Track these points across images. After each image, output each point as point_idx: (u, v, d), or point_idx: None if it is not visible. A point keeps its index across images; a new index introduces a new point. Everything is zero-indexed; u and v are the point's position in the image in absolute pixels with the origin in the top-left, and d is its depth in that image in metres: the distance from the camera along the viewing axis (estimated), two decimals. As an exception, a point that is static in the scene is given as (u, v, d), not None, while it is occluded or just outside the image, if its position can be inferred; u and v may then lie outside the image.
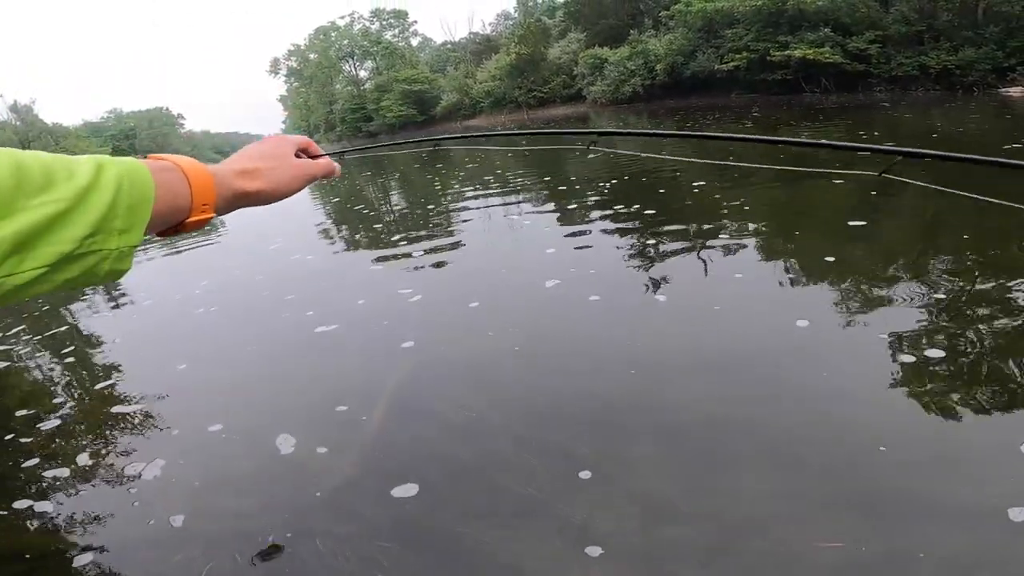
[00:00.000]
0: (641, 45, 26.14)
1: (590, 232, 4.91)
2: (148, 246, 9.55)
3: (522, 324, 3.06)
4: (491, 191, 8.05)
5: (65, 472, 2.30)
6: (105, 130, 66.71)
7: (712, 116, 15.98)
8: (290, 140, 0.59)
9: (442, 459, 2.04)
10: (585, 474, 1.79)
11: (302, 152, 0.60)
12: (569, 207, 6.17)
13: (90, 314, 5.56)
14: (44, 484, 2.25)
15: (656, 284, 3.39)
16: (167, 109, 76.07)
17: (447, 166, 12.74)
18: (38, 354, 4.32)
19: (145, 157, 0.45)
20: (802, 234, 4.22)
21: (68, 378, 3.59)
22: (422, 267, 4.71)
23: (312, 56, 54.84)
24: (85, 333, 4.80)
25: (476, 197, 7.74)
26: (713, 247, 3.94)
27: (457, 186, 9.38)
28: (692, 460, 1.86)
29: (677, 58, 23.60)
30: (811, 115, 13.21)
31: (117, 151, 59.24)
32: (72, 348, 4.21)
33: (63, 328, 5.07)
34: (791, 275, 3.39)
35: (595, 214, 5.56)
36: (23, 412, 3.05)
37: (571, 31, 33.46)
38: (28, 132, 38.04)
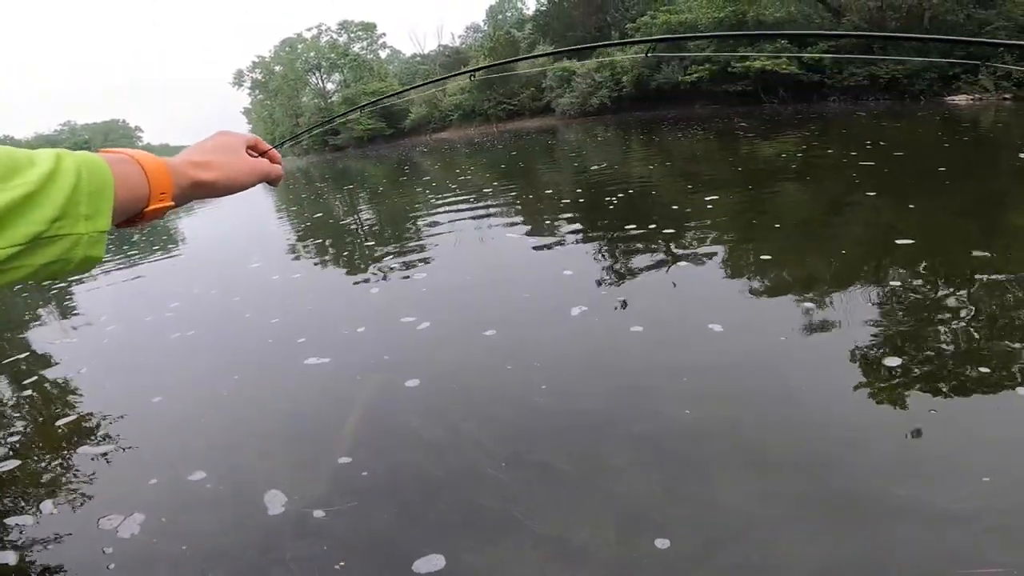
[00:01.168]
0: (608, 58, 26.73)
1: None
2: (108, 264, 9.31)
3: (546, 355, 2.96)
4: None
5: (28, 520, 2.17)
6: (59, 143, 64.07)
7: (678, 127, 16.42)
8: (240, 137, 0.61)
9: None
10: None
11: (251, 150, 0.63)
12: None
13: (51, 338, 5.33)
14: (5, 533, 2.13)
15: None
16: (124, 121, 74.03)
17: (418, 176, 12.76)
18: (-4, 387, 4.14)
19: (97, 151, 0.47)
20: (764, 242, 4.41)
21: (28, 411, 3.44)
22: (424, 289, 4.50)
23: (277, 68, 54.17)
24: (46, 360, 4.60)
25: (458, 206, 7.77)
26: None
27: (431, 198, 9.38)
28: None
29: (643, 71, 24.22)
30: (771, 125, 13.72)
31: (72, 169, 57.11)
32: (33, 378, 4.05)
33: (22, 355, 4.86)
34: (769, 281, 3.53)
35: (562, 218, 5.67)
36: None
37: (539, 44, 33.97)
38: None
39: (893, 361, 2.39)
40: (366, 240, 7.13)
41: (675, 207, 5.78)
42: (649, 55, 1.75)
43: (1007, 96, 13.99)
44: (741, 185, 6.83)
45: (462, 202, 8.06)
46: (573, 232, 5.51)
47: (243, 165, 0.58)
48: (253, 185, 0.60)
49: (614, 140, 15.94)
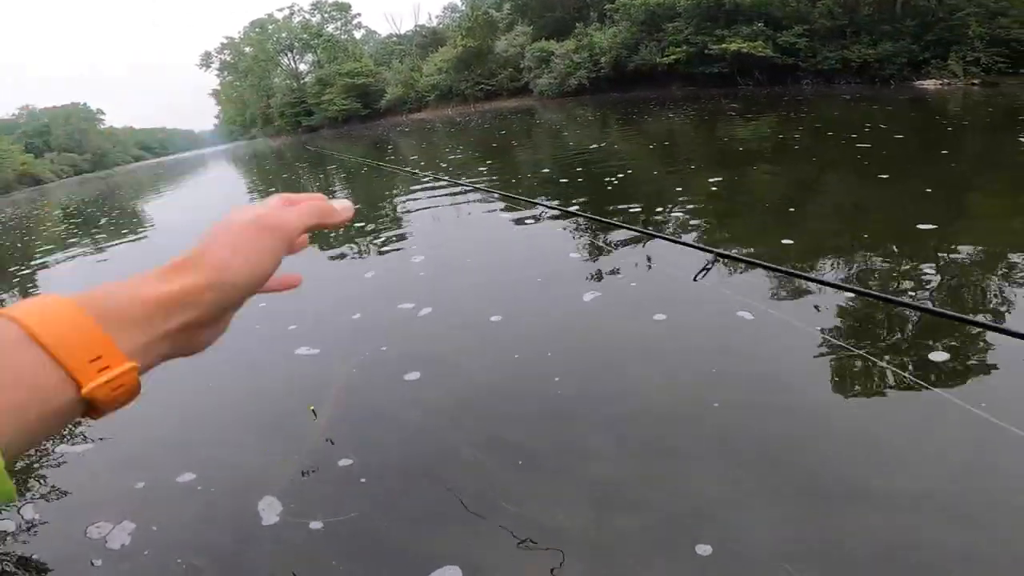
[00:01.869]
0: (587, 38, 26.39)
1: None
2: (72, 248, 8.79)
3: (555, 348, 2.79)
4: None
5: (10, 526, 2.00)
6: (16, 128, 61.03)
7: (653, 108, 16.33)
8: (253, 207, 0.37)
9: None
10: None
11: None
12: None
13: None
14: None
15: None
16: (85, 104, 70.48)
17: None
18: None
19: None
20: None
21: None
22: (422, 273, 4.29)
23: (247, 49, 52.09)
24: None
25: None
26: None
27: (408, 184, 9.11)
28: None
29: (621, 51, 23.97)
30: (757, 106, 13.73)
31: (30, 149, 54.41)
32: None
33: None
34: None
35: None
36: None
37: (518, 24, 33.31)
38: None
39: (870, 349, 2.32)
40: (355, 221, 6.83)
41: (678, 189, 5.63)
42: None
43: (975, 82, 14.25)
44: (743, 166, 6.72)
45: (449, 183, 7.81)
46: (566, 213, 5.35)
47: (259, 236, 0.35)
48: (274, 259, 0.36)
49: (596, 121, 15.75)
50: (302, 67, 51.93)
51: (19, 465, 2.39)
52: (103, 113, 73.86)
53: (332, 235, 6.27)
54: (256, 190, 13.06)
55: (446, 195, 7.13)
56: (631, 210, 4.98)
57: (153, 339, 0.31)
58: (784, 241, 3.77)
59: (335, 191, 10.65)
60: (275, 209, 0.37)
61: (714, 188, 5.59)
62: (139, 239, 8.67)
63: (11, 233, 13.42)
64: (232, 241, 0.35)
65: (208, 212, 11.04)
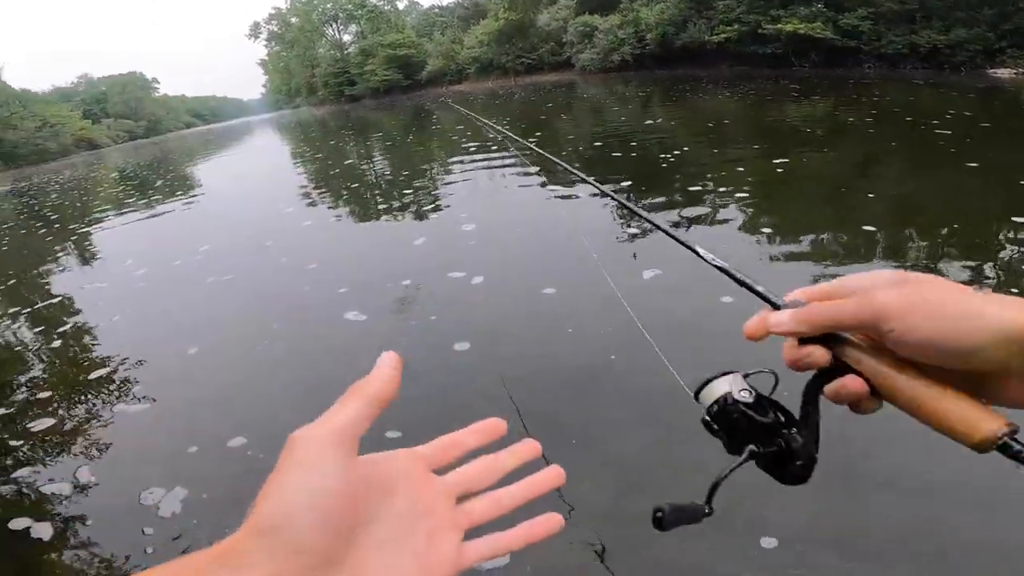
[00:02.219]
0: (632, 14, 25.37)
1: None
2: (124, 207, 9.06)
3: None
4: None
5: (65, 488, 2.05)
6: (75, 96, 63.20)
7: (706, 86, 15.65)
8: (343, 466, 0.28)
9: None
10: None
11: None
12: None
13: (80, 283, 5.14)
14: (42, 501, 2.02)
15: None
16: (140, 74, 72.32)
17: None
18: (22, 333, 3.99)
19: None
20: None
21: (60, 364, 3.30)
22: (472, 242, 4.14)
23: (294, 20, 52.30)
24: (77, 307, 4.45)
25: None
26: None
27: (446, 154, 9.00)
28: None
29: (668, 28, 22.97)
30: (807, 88, 12.99)
31: (88, 116, 56.36)
32: (64, 327, 3.88)
33: (53, 300, 4.69)
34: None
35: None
36: (4, 411, 2.74)
37: (562, -4, 32.29)
38: None
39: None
40: (403, 188, 6.78)
41: (740, 169, 5.34)
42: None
43: (1055, 70, 13.09)
44: (811, 148, 6.34)
45: (495, 155, 7.63)
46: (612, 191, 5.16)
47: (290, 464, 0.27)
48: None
49: (643, 97, 15.19)
50: (346, 38, 51.91)
51: (73, 424, 2.48)
52: (158, 82, 75.88)
53: (380, 202, 6.24)
54: (302, 157, 13.16)
55: (495, 165, 7.00)
56: (690, 190, 4.76)
57: None
58: (866, 228, 3.46)
59: (374, 157, 10.61)
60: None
61: (780, 170, 5.27)
62: (190, 203, 8.87)
63: (69, 194, 13.98)
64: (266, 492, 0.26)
65: (259, 175, 11.21)
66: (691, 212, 4.21)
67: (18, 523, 1.87)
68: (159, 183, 12.91)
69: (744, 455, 0.37)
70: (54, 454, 2.30)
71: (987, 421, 0.30)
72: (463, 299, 3.12)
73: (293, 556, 0.24)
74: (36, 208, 12.13)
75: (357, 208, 6.34)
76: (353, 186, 7.71)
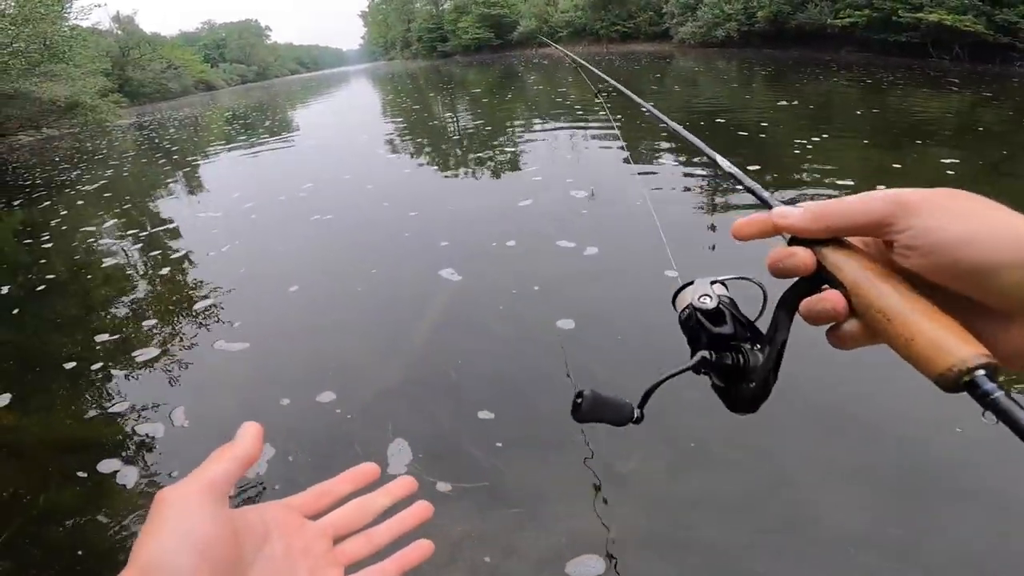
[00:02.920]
0: (745, -14, 23.15)
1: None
2: (231, 143, 9.52)
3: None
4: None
5: (159, 430, 2.10)
6: (198, 40, 67.32)
7: (813, 72, 14.11)
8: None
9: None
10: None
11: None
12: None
13: (189, 213, 5.42)
14: (135, 441, 2.06)
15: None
16: (256, 21, 76.05)
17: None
18: (135, 256, 4.25)
19: None
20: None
21: (165, 293, 3.46)
22: (584, 211, 3.82)
23: (396, -29, 52.38)
24: (185, 235, 4.66)
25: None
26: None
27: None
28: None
29: (784, 6, 20.81)
30: (932, 82, 11.36)
31: (207, 59, 59.93)
32: (176, 253, 4.07)
33: (165, 227, 4.94)
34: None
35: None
36: (109, 336, 2.87)
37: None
38: (128, 41, 38.60)
39: None
40: (504, 146, 6.57)
41: (896, 166, 4.74)
42: None
43: None
44: (940, 144, 5.43)
45: (599, 120, 7.21)
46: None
47: None
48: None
49: (764, 77, 13.95)
50: (443, -7, 51.45)
51: (175, 358, 2.57)
52: (270, 30, 79.51)
53: (481, 157, 6.04)
54: (399, 107, 13.22)
55: (603, 133, 6.57)
56: (789, 177, 4.20)
57: None
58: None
59: (470, 112, 10.40)
60: None
61: (950, 172, 4.48)
62: (294, 143, 9.22)
63: (186, 129, 14.96)
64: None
65: (354, 127, 11.36)
66: (786, 195, 3.82)
67: (108, 465, 1.93)
68: (267, 123, 13.53)
69: (693, 360, 0.35)
70: (154, 389, 2.39)
71: (960, 347, 0.24)
72: (572, 271, 2.90)
73: None
74: (156, 141, 13.07)
75: (456, 161, 6.22)
76: (454, 139, 7.64)
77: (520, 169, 5.20)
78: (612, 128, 6.05)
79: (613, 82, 1.17)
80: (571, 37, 35.89)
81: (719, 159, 0.42)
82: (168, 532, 0.26)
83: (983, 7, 15.37)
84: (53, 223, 5.59)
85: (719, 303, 0.36)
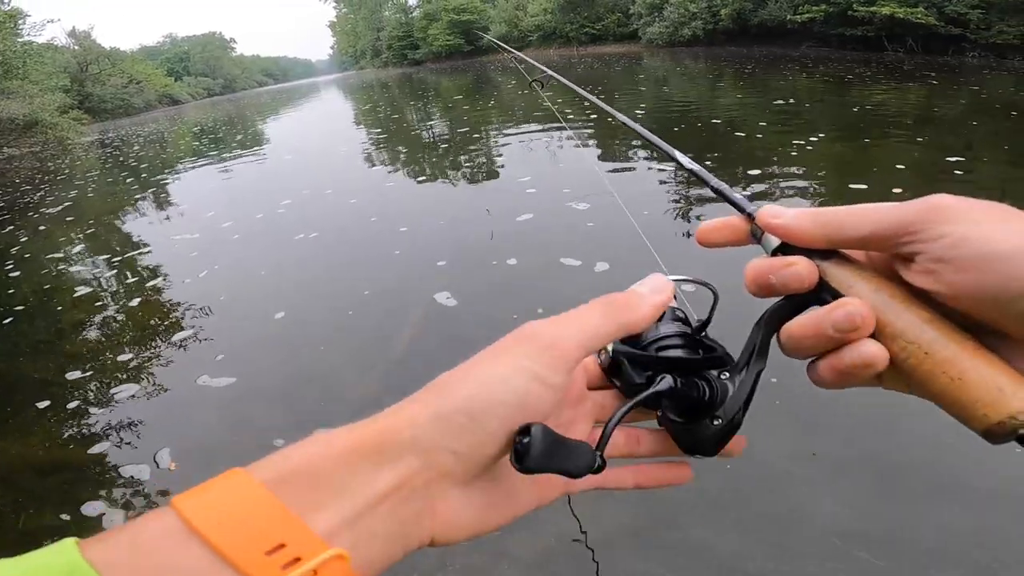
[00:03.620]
0: (707, -14, 23.57)
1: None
2: (198, 157, 9.20)
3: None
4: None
5: (144, 472, 1.92)
6: (160, 54, 65.69)
7: (777, 68, 14.41)
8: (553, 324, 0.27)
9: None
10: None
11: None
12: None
13: (162, 235, 5.16)
14: (119, 483, 1.89)
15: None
16: (220, 34, 74.47)
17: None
18: (109, 283, 4.02)
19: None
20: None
21: (142, 322, 3.25)
22: (591, 224, 3.49)
23: (362, -20, 51.92)
24: (158, 259, 4.43)
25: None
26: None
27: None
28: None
29: (745, 4, 21.23)
30: (891, 74, 11.69)
31: (171, 73, 58.41)
32: (154, 279, 3.87)
33: (137, 252, 4.72)
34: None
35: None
36: (82, 373, 2.69)
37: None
38: (86, 56, 37.26)
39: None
40: (493, 155, 6.32)
41: (900, 165, 4.77)
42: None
43: None
44: (903, 134, 5.45)
45: (587, 125, 7.15)
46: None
47: (496, 359, 0.25)
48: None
49: (731, 74, 14.14)
50: (411, 1, 51.18)
51: (156, 394, 2.40)
52: (235, 42, 77.94)
53: (469, 168, 5.91)
54: (374, 117, 12.97)
55: (595, 137, 6.48)
56: (753, 172, 4.19)
57: (364, 507, 0.21)
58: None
59: (449, 120, 10.30)
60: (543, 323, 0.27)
61: (958, 172, 4.29)
62: (267, 157, 8.95)
63: (152, 146, 14.46)
64: (464, 365, 0.25)
65: (329, 138, 11.11)
66: (755, 189, 3.84)
67: (92, 507, 1.79)
68: (238, 137, 13.14)
69: (655, 387, 0.27)
70: (136, 427, 2.22)
71: (1020, 391, 0.20)
72: (581, 291, 2.80)
73: (460, 462, 0.23)
74: (120, 159, 12.59)
75: (440, 172, 5.98)
76: (435, 148, 7.47)
77: (511, 179, 5.01)
78: (592, 128, 5.99)
79: (552, 73, 1.16)
80: (541, 41, 36.03)
81: (679, 156, 0.38)
82: (509, 383, 0.24)
83: (934, -1, 15.90)
84: (15, 250, 5.28)
85: (676, 316, 0.31)
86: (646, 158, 5.10)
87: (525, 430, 0.23)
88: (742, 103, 8.62)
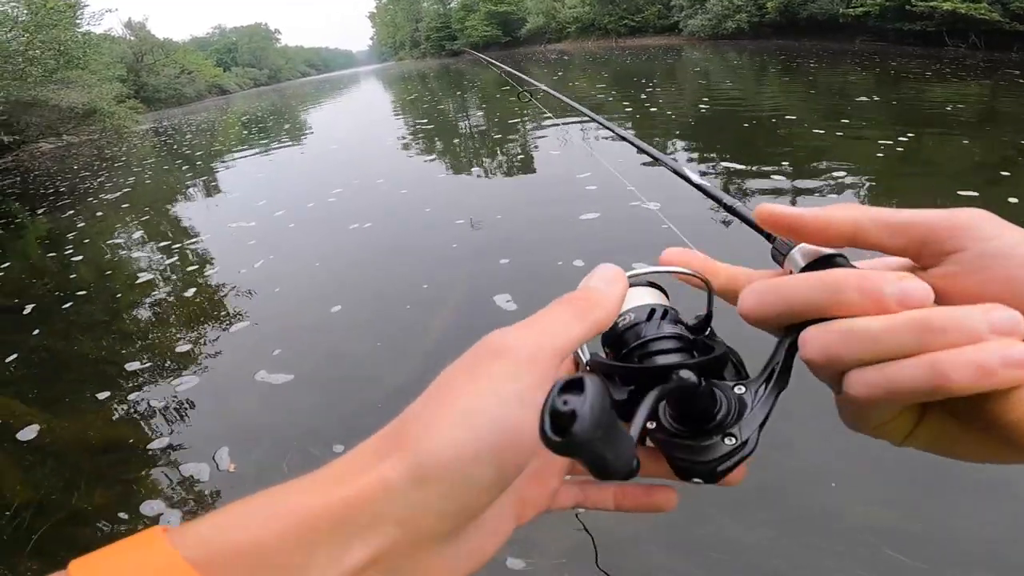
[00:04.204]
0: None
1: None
2: (244, 147, 9.31)
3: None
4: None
5: (203, 472, 1.89)
6: (209, 45, 67.43)
7: (823, 63, 13.67)
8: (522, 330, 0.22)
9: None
10: None
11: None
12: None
13: (214, 226, 5.16)
14: (178, 482, 1.86)
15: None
16: (265, 25, 75.90)
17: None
18: (166, 271, 4.05)
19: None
20: None
21: (199, 313, 3.24)
22: (664, 226, 3.09)
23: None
24: (214, 248, 4.42)
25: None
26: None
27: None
28: None
29: (796, -5, 20.25)
30: (952, 70, 10.91)
31: (220, 64, 59.97)
32: (211, 269, 3.87)
33: (203, 238, 4.70)
34: None
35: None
36: (140, 365, 2.66)
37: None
38: (142, 47, 38.49)
39: None
40: (547, 147, 6.04)
41: (863, 149, 4.41)
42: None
43: None
44: (960, 131, 5.06)
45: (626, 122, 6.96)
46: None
47: (470, 375, 0.20)
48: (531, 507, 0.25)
49: (765, 68, 13.52)
50: (450, -8, 51.13)
51: (217, 389, 2.37)
52: (279, 33, 79.27)
53: (521, 160, 5.77)
54: (419, 106, 12.90)
55: (656, 127, 6.32)
56: (803, 167, 3.88)
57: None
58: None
59: (478, 111, 10.14)
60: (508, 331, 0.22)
61: (902, 150, 4.27)
62: (315, 146, 9.01)
63: (203, 134, 14.80)
64: (432, 395, 0.21)
65: (374, 127, 11.09)
66: (802, 184, 3.63)
67: (151, 506, 1.75)
68: (285, 126, 13.33)
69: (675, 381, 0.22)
70: (197, 424, 2.19)
71: None
72: None
73: (450, 520, 0.19)
74: (174, 147, 12.93)
75: (494, 165, 5.77)
76: (484, 140, 7.32)
77: (572, 174, 4.63)
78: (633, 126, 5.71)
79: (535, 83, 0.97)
80: (579, 33, 35.37)
81: (688, 172, 0.36)
82: (483, 419, 0.19)
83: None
84: (72, 235, 5.41)
85: (662, 312, 0.27)
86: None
87: (574, 384, 0.16)
88: (788, 98, 8.16)
